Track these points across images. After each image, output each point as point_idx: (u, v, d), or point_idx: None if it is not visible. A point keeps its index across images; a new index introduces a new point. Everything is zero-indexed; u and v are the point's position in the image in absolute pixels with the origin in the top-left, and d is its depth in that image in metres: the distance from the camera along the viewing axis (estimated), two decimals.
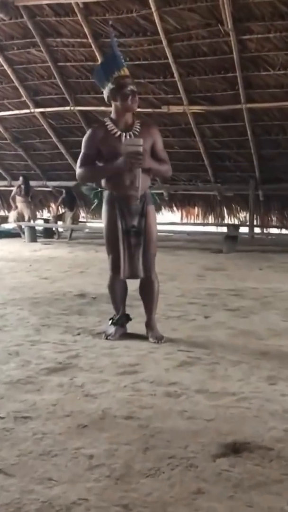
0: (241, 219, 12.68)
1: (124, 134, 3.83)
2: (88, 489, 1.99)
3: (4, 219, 13.67)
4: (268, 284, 6.36)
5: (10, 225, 13.38)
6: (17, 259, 8.77)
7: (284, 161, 10.88)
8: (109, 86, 3.83)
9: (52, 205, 14.27)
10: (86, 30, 9.97)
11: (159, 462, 2.18)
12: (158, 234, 4.12)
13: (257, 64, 9.60)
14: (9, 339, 3.96)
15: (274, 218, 12.42)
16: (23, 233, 12.19)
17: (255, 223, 11.96)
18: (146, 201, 3.93)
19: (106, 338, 3.97)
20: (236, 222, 12.60)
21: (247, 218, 12.23)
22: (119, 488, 2.00)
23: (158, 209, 11.96)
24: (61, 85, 11.36)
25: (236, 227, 11.64)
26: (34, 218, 12.91)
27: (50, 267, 7.79)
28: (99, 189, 4.05)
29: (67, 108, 11.73)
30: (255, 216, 11.94)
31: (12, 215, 12.72)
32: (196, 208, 13.12)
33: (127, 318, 4.15)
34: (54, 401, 2.78)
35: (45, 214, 14.79)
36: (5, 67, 11.39)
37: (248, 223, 12.00)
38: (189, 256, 9.32)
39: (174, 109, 10.75)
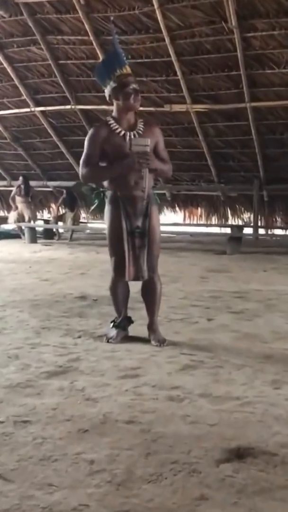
0: (245, 220, 12.67)
1: (128, 133, 3.79)
2: (88, 495, 1.97)
3: (4, 220, 13.67)
4: (272, 286, 6.33)
5: (9, 226, 13.37)
6: (17, 260, 8.76)
7: None
8: (111, 84, 3.80)
9: (53, 205, 14.29)
10: (87, 27, 9.98)
11: (161, 467, 2.16)
12: (161, 235, 4.09)
13: (261, 62, 9.60)
14: (8, 342, 3.93)
15: (278, 219, 12.42)
16: (23, 234, 12.20)
17: (259, 224, 11.97)
18: (150, 202, 3.90)
19: (107, 341, 3.93)
20: (240, 223, 12.59)
21: (251, 219, 12.22)
22: (120, 494, 1.98)
23: (159, 209, 11.93)
24: (61, 84, 11.37)
25: (240, 228, 11.60)
26: (34, 218, 12.91)
27: (50, 269, 7.78)
28: (101, 189, 4.02)
29: (68, 106, 11.74)
30: (259, 217, 11.94)
31: (12, 215, 12.74)
32: (199, 209, 13.11)
33: (129, 320, 4.11)
34: (55, 405, 2.76)
35: (45, 214, 14.81)
36: (5, 65, 11.42)
37: (252, 224, 11.98)
38: (192, 257, 9.30)
39: (177, 107, 10.75)
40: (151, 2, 9.13)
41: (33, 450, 2.29)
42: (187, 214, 13.27)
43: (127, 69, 3.85)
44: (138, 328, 4.15)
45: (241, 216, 12.75)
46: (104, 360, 3.51)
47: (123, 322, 4.05)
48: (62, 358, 3.53)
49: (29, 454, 2.26)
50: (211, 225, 12.92)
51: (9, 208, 13.56)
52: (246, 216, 12.66)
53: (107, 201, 3.95)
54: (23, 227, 12.25)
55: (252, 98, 10.07)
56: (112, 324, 4.07)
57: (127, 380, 3.14)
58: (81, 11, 9.72)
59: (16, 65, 11.47)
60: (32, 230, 12.08)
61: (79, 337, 4.08)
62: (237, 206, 12.69)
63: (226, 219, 12.81)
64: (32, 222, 12.57)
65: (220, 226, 12.72)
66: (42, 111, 12.11)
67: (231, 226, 11.82)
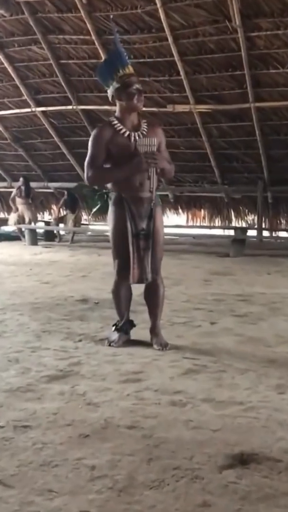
0: (249, 222, 12.61)
1: (133, 134, 3.78)
2: (89, 501, 1.96)
3: (4, 222, 13.65)
4: (276, 289, 6.32)
5: (10, 228, 13.34)
6: (17, 262, 8.74)
7: None
8: (114, 85, 3.79)
9: (54, 207, 14.26)
10: (89, 26, 9.96)
11: (163, 473, 2.14)
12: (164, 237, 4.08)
13: (265, 62, 9.56)
14: (8, 345, 3.92)
15: (283, 221, 12.36)
16: (24, 236, 12.16)
17: (263, 226, 11.94)
18: (155, 203, 3.89)
19: (109, 345, 3.92)
20: (244, 225, 12.52)
21: (255, 221, 12.17)
22: (122, 500, 1.97)
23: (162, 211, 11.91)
24: (63, 83, 11.35)
25: (244, 230, 11.52)
26: (35, 220, 12.87)
27: (51, 271, 7.76)
28: (104, 190, 3.99)
29: (69, 107, 11.72)
30: (263, 219, 11.92)
31: (12, 217, 12.73)
32: (202, 211, 13.07)
33: (131, 324, 4.09)
34: (55, 409, 2.75)
35: (46, 216, 14.76)
36: (6, 65, 11.40)
37: (256, 226, 11.94)
38: (195, 260, 9.27)
39: (180, 108, 10.72)
40: (154, 1, 9.09)
41: (33, 455, 2.28)
42: (190, 216, 13.23)
43: (130, 69, 3.84)
44: (140, 331, 4.15)
45: (245, 218, 12.70)
46: (106, 364, 3.50)
47: (125, 326, 4.03)
48: (63, 362, 3.52)
49: (29, 459, 2.26)
50: (214, 227, 12.88)
51: (9, 210, 13.55)
52: (250, 218, 12.61)
53: (110, 202, 3.93)
54: (23, 229, 12.23)
55: (256, 98, 10.03)
56: (114, 327, 4.05)
57: (129, 384, 3.13)
58: (83, 10, 9.69)
59: (17, 65, 11.45)
60: (33, 232, 12.05)
61: (80, 340, 4.06)
62: (241, 208, 12.63)
63: (230, 221, 12.76)
64: (32, 224, 12.53)
65: (224, 228, 12.67)
66: (43, 111, 12.09)
67: (235, 228, 11.75)
